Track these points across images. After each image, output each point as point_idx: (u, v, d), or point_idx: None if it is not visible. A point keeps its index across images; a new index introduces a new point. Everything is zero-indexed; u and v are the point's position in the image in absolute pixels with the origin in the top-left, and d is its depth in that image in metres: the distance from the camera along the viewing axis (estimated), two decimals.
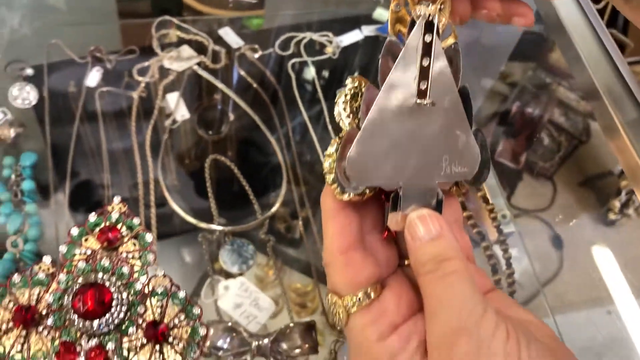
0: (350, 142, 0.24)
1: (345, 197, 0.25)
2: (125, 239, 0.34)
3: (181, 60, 0.66)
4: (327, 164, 0.26)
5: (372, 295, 0.25)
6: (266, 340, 0.48)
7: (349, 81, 0.26)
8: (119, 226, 0.34)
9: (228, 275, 0.55)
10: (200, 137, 0.65)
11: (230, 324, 0.49)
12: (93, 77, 0.64)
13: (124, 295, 0.32)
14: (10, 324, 0.31)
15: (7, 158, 0.57)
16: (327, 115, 0.68)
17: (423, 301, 0.24)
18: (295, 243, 0.63)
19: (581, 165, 0.97)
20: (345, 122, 0.26)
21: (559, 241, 0.86)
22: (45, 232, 0.55)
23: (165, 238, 0.59)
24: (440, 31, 0.24)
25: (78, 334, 0.31)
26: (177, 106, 0.64)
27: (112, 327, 0.31)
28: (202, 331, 0.31)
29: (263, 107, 0.67)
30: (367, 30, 0.74)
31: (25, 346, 0.31)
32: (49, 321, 0.31)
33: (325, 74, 0.72)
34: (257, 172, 0.65)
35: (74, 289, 0.31)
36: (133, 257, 0.33)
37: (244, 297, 0.52)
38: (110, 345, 0.31)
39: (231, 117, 0.66)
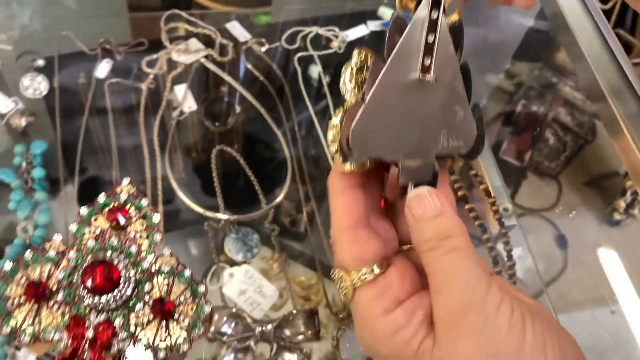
0: (354, 114, 0.25)
1: (347, 167, 0.26)
2: (134, 219, 0.34)
3: (189, 53, 0.67)
4: (331, 134, 0.26)
5: (378, 270, 0.26)
6: (269, 326, 0.49)
7: (355, 53, 0.26)
8: (127, 207, 0.35)
9: (233, 263, 0.56)
10: (207, 129, 0.66)
11: (234, 310, 0.50)
12: (102, 69, 0.65)
13: (132, 272, 0.32)
14: (23, 299, 0.32)
15: (18, 146, 0.58)
16: (333, 110, 0.68)
17: (427, 278, 0.25)
18: (300, 237, 0.64)
19: (586, 165, 0.97)
20: (350, 94, 0.26)
21: (564, 241, 0.86)
22: (54, 219, 0.56)
23: (172, 231, 0.60)
24: (445, 7, 0.24)
25: (87, 310, 0.32)
26: (184, 98, 0.65)
27: (120, 303, 0.32)
28: (207, 309, 0.32)
29: (269, 100, 0.68)
30: (373, 26, 0.74)
31: (37, 320, 0.31)
32: (59, 296, 0.32)
33: (331, 70, 0.73)
34: (262, 163, 0.66)
35: (84, 266, 0.32)
36: (141, 237, 0.34)
37: (248, 284, 0.53)
38: (118, 321, 0.31)
39: (237, 109, 0.67)
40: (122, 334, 0.31)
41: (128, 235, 0.34)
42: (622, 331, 0.64)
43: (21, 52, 0.66)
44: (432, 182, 0.26)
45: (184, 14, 0.71)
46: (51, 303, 0.32)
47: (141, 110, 0.63)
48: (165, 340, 0.31)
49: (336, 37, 0.73)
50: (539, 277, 0.69)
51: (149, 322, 0.32)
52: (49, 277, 0.33)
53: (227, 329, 0.49)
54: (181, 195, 0.58)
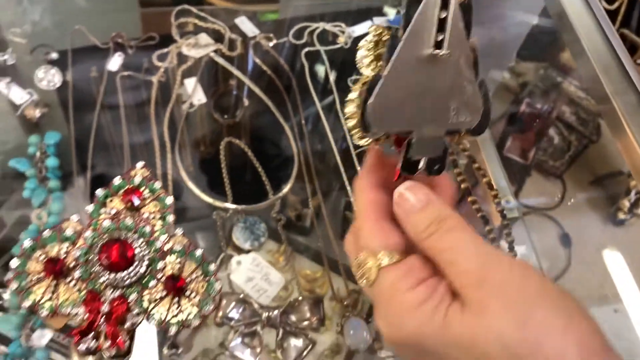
0: (371, 89, 0.26)
1: (363, 141, 0.27)
2: (147, 201, 0.36)
3: (199, 48, 0.68)
4: (348, 109, 0.27)
5: (401, 256, 0.26)
6: (276, 312, 0.50)
7: (372, 29, 0.27)
8: (141, 189, 0.36)
9: (240, 252, 0.57)
10: (215, 121, 0.67)
11: (242, 296, 0.51)
12: (115, 62, 0.67)
13: (146, 251, 0.34)
14: (42, 275, 0.33)
15: (33, 137, 0.60)
16: (339, 104, 0.69)
17: (436, 263, 0.26)
18: (306, 231, 0.65)
19: (591, 164, 0.97)
20: (367, 69, 0.27)
21: (568, 239, 0.87)
22: (67, 206, 0.57)
23: (180, 224, 0.61)
24: None
25: (102, 286, 0.33)
26: (194, 90, 0.66)
27: (134, 279, 0.33)
28: (217, 286, 0.34)
29: (277, 94, 0.69)
30: (378, 22, 0.75)
31: (55, 295, 0.33)
32: (77, 273, 0.33)
33: (338, 65, 0.74)
34: (269, 156, 0.68)
35: (100, 244, 0.33)
36: (154, 218, 0.35)
37: (255, 272, 0.54)
38: (132, 297, 0.33)
39: (246, 102, 0.68)
40: (136, 310, 0.33)
41: (142, 216, 0.35)
42: (625, 330, 0.65)
43: (35, 46, 0.67)
44: (443, 157, 0.27)
45: (194, 9, 0.73)
46: (68, 280, 0.33)
47: (152, 103, 0.65)
48: (177, 315, 0.33)
49: (342, 32, 0.74)
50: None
51: (161, 298, 0.33)
52: (66, 255, 0.34)
53: (234, 314, 0.50)
54: (190, 185, 0.59)
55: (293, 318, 0.51)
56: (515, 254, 0.59)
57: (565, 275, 0.84)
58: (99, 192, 0.36)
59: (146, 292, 0.33)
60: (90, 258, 0.33)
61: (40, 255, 0.34)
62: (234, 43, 0.71)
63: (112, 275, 0.33)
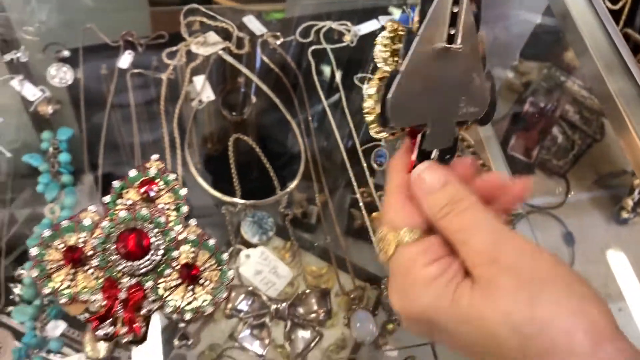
0: (389, 85, 0.27)
1: (382, 135, 0.28)
2: (163, 193, 0.37)
3: (207, 46, 0.69)
4: (367, 104, 0.28)
5: (421, 235, 0.27)
6: (284, 304, 0.51)
7: (388, 25, 0.28)
8: (157, 181, 0.37)
9: (249, 246, 0.58)
10: (224, 118, 0.68)
11: (250, 288, 0.52)
12: (125, 60, 0.68)
13: (161, 240, 0.35)
14: (61, 263, 0.34)
15: (45, 132, 0.61)
16: (345, 102, 0.70)
17: (451, 243, 0.27)
18: (312, 228, 0.66)
19: (595, 163, 0.97)
20: (383, 63, 0.28)
21: (571, 238, 0.87)
22: (79, 201, 0.58)
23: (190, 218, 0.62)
24: None
25: (120, 274, 0.34)
26: (203, 88, 0.67)
27: (150, 268, 0.34)
28: (230, 274, 0.35)
29: (283, 91, 0.70)
30: (384, 21, 0.76)
31: (73, 283, 0.34)
32: (94, 262, 0.34)
33: (344, 63, 0.75)
34: (277, 152, 0.68)
35: (117, 234, 0.34)
36: (169, 209, 0.36)
37: (263, 265, 0.55)
38: (148, 284, 0.34)
39: (253, 99, 0.69)
40: (152, 297, 0.34)
41: (157, 207, 0.36)
42: (629, 329, 0.65)
43: (47, 44, 0.69)
44: (453, 148, 0.28)
45: (202, 8, 0.74)
46: (86, 268, 0.34)
47: (162, 100, 0.66)
48: (191, 303, 0.34)
49: (348, 31, 0.75)
50: None
51: (176, 286, 0.34)
52: (84, 244, 0.35)
53: (243, 306, 0.51)
54: (200, 180, 0.60)
55: (301, 310, 0.52)
56: None
57: None
58: (116, 183, 0.37)
59: (161, 280, 0.34)
60: (107, 247, 0.34)
61: (59, 244, 0.35)
62: (241, 41, 0.72)
63: (129, 263, 0.34)
